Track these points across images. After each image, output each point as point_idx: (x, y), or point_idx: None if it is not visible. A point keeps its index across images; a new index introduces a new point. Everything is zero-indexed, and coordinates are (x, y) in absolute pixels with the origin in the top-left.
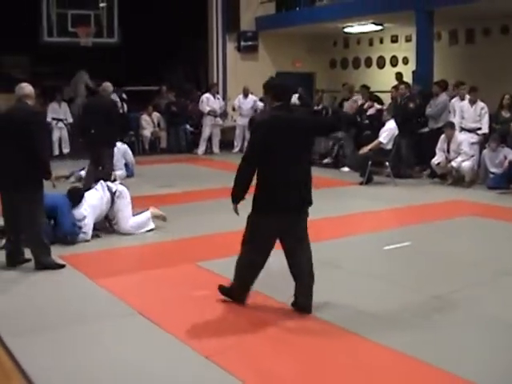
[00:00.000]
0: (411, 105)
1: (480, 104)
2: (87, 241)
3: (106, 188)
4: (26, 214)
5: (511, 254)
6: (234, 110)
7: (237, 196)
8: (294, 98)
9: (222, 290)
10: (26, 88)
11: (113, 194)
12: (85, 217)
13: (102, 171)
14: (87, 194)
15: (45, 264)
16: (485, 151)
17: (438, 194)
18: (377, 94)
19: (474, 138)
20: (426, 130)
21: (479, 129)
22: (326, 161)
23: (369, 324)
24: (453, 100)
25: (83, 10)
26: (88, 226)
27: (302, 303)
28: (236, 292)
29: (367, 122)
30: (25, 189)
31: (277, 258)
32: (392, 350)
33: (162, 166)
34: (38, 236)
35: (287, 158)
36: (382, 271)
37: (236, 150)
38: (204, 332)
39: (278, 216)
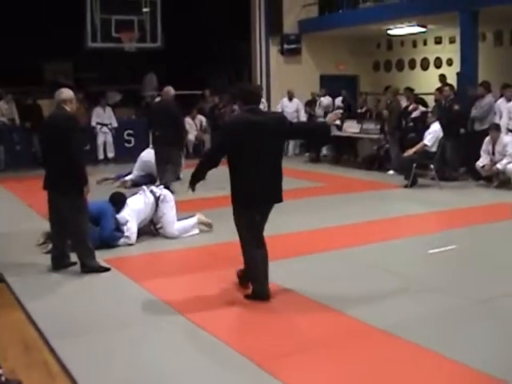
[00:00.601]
0: (456, 107)
1: None
2: (130, 245)
3: (149, 192)
4: (70, 218)
5: None
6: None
7: (192, 182)
8: (338, 101)
9: (248, 296)
10: (64, 93)
11: (157, 198)
12: (127, 221)
13: (170, 169)
14: (131, 199)
15: (90, 267)
16: None
17: (484, 196)
18: (421, 96)
19: None
20: (462, 131)
21: None
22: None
23: (413, 327)
24: (499, 101)
25: (127, 16)
26: (131, 230)
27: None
28: (258, 289)
29: (411, 124)
30: (67, 193)
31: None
32: (437, 353)
33: None
34: (82, 240)
35: (254, 156)
36: (427, 275)
37: (289, 153)
38: (252, 337)
39: (252, 208)
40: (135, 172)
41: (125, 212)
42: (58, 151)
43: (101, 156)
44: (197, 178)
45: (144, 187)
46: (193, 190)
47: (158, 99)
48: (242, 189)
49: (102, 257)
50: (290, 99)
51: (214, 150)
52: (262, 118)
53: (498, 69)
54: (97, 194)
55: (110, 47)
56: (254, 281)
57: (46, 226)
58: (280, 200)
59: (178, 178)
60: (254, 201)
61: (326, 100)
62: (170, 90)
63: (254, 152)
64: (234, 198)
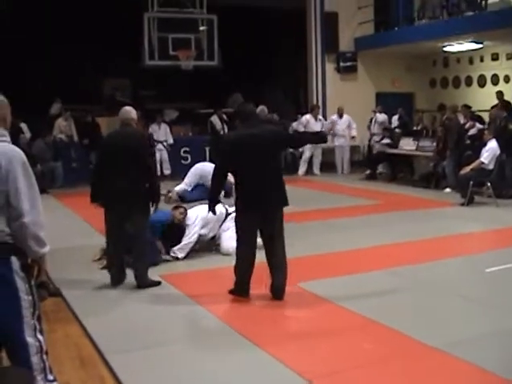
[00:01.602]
0: (511, 126)
1: None
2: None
3: (223, 206)
4: (138, 234)
5: None
6: (330, 130)
7: (211, 199)
8: (394, 119)
9: (230, 291)
10: (132, 112)
11: (228, 214)
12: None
13: None
14: (200, 207)
15: (148, 283)
16: None
17: None
18: (478, 113)
19: None
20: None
21: None
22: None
23: (472, 347)
24: None
25: (184, 34)
26: (190, 239)
27: (276, 287)
28: (237, 285)
29: (468, 142)
30: (139, 209)
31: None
32: (496, 375)
33: None
34: (144, 255)
35: (253, 167)
36: (484, 294)
37: (339, 172)
38: (306, 354)
39: (252, 214)
40: (183, 185)
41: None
42: (131, 167)
43: (157, 173)
44: (213, 200)
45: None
46: (214, 213)
47: None
48: (243, 196)
49: (156, 272)
50: (341, 116)
51: (219, 169)
52: (257, 131)
53: None
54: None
55: (167, 65)
56: (237, 277)
57: (103, 241)
58: (283, 204)
59: None
60: (252, 206)
61: (381, 116)
62: (264, 110)
63: (252, 163)
64: (237, 203)
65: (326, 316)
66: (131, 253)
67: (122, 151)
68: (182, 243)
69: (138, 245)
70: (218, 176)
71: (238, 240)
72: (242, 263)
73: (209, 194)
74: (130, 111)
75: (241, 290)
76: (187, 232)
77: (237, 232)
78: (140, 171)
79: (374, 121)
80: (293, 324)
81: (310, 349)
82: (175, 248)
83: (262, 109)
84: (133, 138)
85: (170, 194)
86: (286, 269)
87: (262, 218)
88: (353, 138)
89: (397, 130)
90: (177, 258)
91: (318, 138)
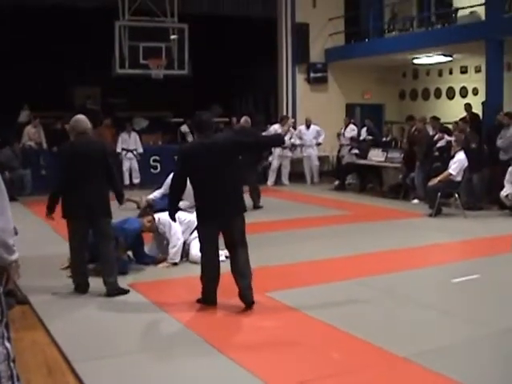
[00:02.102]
0: (473, 145)
1: None
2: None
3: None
4: (105, 242)
5: None
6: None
7: (170, 207)
8: (363, 131)
9: (198, 300)
10: (88, 122)
11: None
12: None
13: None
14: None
15: (117, 290)
16: None
17: (509, 225)
18: (447, 125)
19: None
20: None
21: None
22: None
23: (436, 356)
24: None
25: (155, 43)
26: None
27: (243, 293)
28: (204, 295)
29: (437, 153)
30: (104, 215)
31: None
32: (459, 382)
33: None
34: (113, 263)
35: (209, 176)
36: (450, 304)
37: (308, 182)
38: (273, 363)
39: (210, 223)
40: (156, 193)
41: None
42: (97, 175)
43: (126, 181)
44: (173, 209)
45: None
46: (173, 220)
47: None
48: (200, 205)
49: (125, 281)
50: (308, 127)
51: (176, 180)
52: (212, 140)
53: None
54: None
55: (137, 74)
56: (203, 286)
57: None
58: (241, 212)
59: None
60: (210, 216)
61: (352, 127)
62: (247, 121)
63: (207, 171)
64: (196, 212)
65: (293, 325)
66: (96, 261)
67: (89, 160)
68: (174, 248)
69: (106, 252)
70: (176, 184)
71: (200, 250)
72: (207, 273)
73: (168, 206)
74: (86, 121)
75: (208, 300)
76: (171, 237)
77: (199, 242)
78: (105, 178)
79: (342, 131)
80: (260, 333)
81: (278, 358)
82: (171, 255)
83: (245, 119)
84: (97, 146)
85: (139, 200)
86: (250, 275)
87: (220, 226)
88: (318, 144)
89: (366, 140)
90: (175, 264)
91: (275, 139)
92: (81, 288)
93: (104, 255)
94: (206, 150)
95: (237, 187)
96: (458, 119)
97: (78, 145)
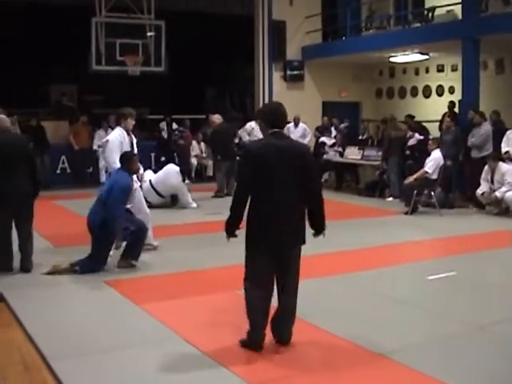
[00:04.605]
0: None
1: None
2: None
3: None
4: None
5: None
6: None
7: (229, 232)
8: (332, 129)
9: (241, 342)
10: (7, 120)
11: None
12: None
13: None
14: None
15: (31, 265)
16: None
17: (484, 223)
18: (423, 123)
19: None
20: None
21: None
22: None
23: (412, 353)
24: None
25: (131, 39)
26: None
27: (281, 336)
28: (250, 336)
29: (408, 152)
30: (31, 207)
31: None
32: (435, 378)
33: (209, 193)
34: (30, 236)
35: (278, 189)
36: (426, 301)
37: None
38: (252, 360)
39: (269, 250)
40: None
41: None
42: (24, 168)
43: (103, 178)
44: (233, 227)
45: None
46: (229, 238)
47: None
48: (254, 224)
49: (101, 279)
50: (296, 125)
51: (241, 188)
52: (286, 143)
53: (499, 97)
54: None
55: (114, 70)
56: (249, 325)
57: (46, 245)
58: (299, 242)
59: None
60: (265, 239)
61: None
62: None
63: (273, 183)
64: (250, 235)
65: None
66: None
67: (18, 153)
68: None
69: (25, 230)
70: (241, 198)
71: (246, 279)
72: (252, 319)
73: (228, 220)
74: (6, 119)
75: (253, 342)
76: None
77: (246, 268)
78: (29, 171)
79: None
80: (235, 330)
81: (256, 355)
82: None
83: (217, 117)
84: (23, 141)
85: None
86: (292, 320)
87: (277, 254)
88: None
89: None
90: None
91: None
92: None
93: (23, 232)
94: (276, 153)
95: (301, 210)
96: (440, 117)
97: (5, 139)
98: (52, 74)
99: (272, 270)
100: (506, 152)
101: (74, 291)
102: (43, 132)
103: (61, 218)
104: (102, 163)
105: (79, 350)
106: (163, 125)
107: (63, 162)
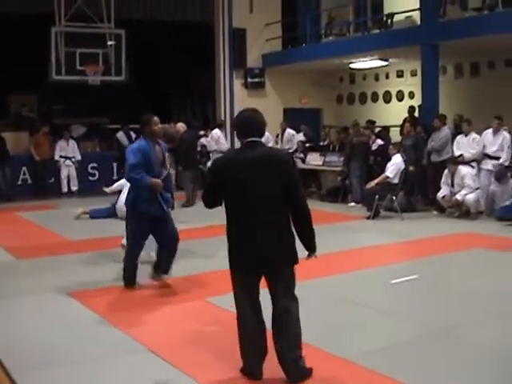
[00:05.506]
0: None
1: (504, 133)
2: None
3: None
4: None
5: None
6: None
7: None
8: (300, 136)
9: (241, 370)
10: None
11: None
12: None
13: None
14: None
15: None
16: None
17: (446, 227)
18: (381, 128)
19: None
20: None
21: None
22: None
23: (375, 357)
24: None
25: (91, 49)
26: None
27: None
28: (244, 363)
29: (372, 157)
30: None
31: None
32: (398, 381)
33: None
34: None
35: (252, 202)
36: (389, 305)
37: None
38: (218, 370)
39: (245, 274)
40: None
41: None
42: None
43: (64, 189)
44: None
45: None
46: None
47: None
48: (231, 242)
49: (65, 290)
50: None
51: (204, 200)
52: (261, 153)
53: (458, 101)
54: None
55: (74, 80)
56: (241, 353)
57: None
58: (287, 261)
59: None
60: (242, 260)
61: (290, 132)
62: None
63: (247, 196)
64: (229, 255)
65: (233, 329)
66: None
67: None
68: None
69: None
70: (207, 203)
71: (236, 303)
72: (244, 340)
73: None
74: None
75: (246, 370)
76: None
77: (234, 296)
78: None
79: (279, 136)
80: (200, 336)
81: (221, 359)
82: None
83: (181, 125)
84: None
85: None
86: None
87: (255, 278)
88: None
89: (307, 145)
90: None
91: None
92: None
93: None
94: (246, 164)
95: (285, 223)
96: (401, 122)
97: None
98: (11, 84)
99: (255, 290)
100: (460, 155)
101: (37, 303)
102: (3, 143)
103: (23, 230)
104: (63, 173)
105: (43, 363)
106: (120, 135)
107: (24, 174)
